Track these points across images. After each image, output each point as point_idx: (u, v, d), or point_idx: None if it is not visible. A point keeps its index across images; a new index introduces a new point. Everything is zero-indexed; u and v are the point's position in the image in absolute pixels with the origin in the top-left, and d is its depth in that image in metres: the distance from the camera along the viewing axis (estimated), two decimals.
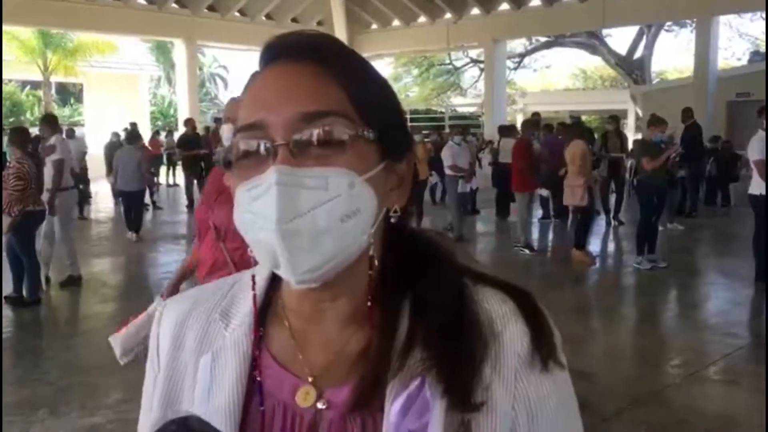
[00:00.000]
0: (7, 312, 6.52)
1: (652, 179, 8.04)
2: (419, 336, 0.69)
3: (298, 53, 0.70)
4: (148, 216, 13.49)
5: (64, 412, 4.17)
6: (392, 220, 0.73)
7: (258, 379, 0.73)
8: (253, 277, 0.78)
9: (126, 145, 11.30)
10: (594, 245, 10.36)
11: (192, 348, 0.78)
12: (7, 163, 6.61)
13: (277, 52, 0.71)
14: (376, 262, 0.71)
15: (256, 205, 0.66)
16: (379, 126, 0.70)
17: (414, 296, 0.72)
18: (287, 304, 0.76)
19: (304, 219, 0.64)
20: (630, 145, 12.76)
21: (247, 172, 0.68)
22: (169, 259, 9.56)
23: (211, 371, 0.74)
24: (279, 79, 0.69)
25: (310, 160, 0.66)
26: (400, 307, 0.72)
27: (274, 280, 0.78)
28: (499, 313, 0.72)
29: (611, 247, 10.57)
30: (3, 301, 6.51)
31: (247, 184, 0.67)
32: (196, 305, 0.81)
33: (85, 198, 13.37)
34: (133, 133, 11.97)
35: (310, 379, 0.72)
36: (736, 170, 14.44)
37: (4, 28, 19.31)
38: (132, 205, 10.72)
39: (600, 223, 11.85)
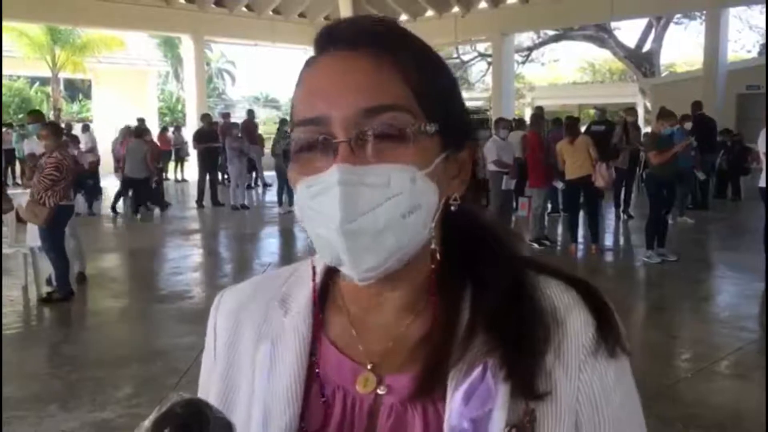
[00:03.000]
0: (18, 308, 6.55)
1: (661, 172, 7.99)
2: (481, 323, 0.69)
3: (356, 41, 0.68)
4: (156, 212, 13.55)
5: (74, 406, 4.18)
6: (452, 208, 0.72)
7: (317, 365, 0.74)
8: (314, 267, 0.78)
9: (133, 139, 12.87)
10: (605, 239, 10.35)
11: (251, 336, 0.78)
12: (47, 155, 6.56)
13: (335, 39, 0.69)
14: (438, 256, 0.71)
15: (317, 202, 0.66)
16: (441, 116, 0.68)
17: (474, 283, 0.72)
18: (346, 292, 0.76)
19: (366, 218, 0.64)
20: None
21: (306, 167, 0.67)
22: (178, 254, 9.59)
23: (271, 357, 0.75)
24: (338, 69, 0.67)
25: (371, 156, 0.65)
26: (462, 295, 0.72)
27: (332, 268, 0.78)
28: (563, 302, 0.71)
29: (621, 240, 10.53)
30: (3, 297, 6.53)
31: (307, 181, 0.67)
32: (254, 294, 0.82)
33: (95, 194, 13.43)
34: (139, 129, 13.70)
35: (369, 366, 0.72)
36: (747, 163, 14.34)
37: (14, 24, 19.43)
38: (138, 190, 12.50)
39: (610, 217, 11.82)
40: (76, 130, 17.07)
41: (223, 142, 14.50)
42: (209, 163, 14.39)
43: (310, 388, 0.74)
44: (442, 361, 0.68)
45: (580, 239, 9.05)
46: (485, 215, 0.78)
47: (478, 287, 0.71)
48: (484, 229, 0.76)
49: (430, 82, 0.69)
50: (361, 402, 0.72)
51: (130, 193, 12.82)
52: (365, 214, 0.64)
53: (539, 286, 0.72)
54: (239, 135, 14.30)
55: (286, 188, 12.93)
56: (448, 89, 0.72)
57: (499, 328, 0.68)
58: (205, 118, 15.57)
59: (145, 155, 12.34)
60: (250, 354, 0.77)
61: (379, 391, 0.71)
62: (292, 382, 0.73)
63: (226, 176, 16.15)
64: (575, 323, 0.70)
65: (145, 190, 12.59)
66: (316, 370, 0.74)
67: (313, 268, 0.78)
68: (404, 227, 0.65)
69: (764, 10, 22.34)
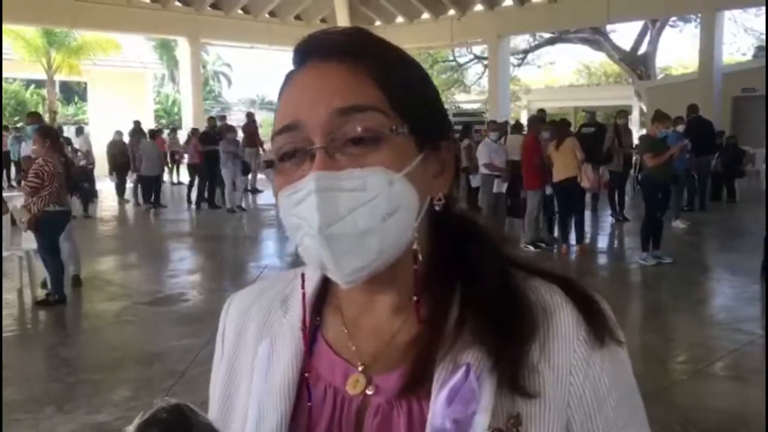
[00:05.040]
0: (13, 311, 6.54)
1: (656, 175, 8.02)
2: (469, 318, 0.70)
3: (330, 52, 0.70)
4: (151, 214, 13.59)
5: (71, 409, 4.18)
6: (437, 208, 0.72)
7: (311, 365, 0.76)
8: (303, 274, 0.79)
9: (148, 139, 14.61)
10: (600, 242, 10.37)
11: (253, 335, 0.81)
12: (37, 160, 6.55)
13: (309, 52, 0.72)
14: (420, 257, 0.71)
15: (299, 210, 0.67)
16: (415, 117, 0.70)
17: (464, 282, 0.73)
18: (340, 294, 0.78)
19: (344, 222, 0.65)
20: (635, 141, 12.75)
21: (288, 176, 0.69)
22: (174, 257, 9.58)
23: (269, 356, 0.77)
24: (313, 78, 0.69)
25: (348, 160, 0.66)
26: (451, 293, 0.72)
27: None
28: (552, 300, 0.72)
29: (616, 243, 10.56)
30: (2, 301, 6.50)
31: (288, 190, 0.68)
32: (260, 295, 0.84)
33: (90, 197, 13.44)
34: (152, 131, 15.67)
35: (360, 368, 0.73)
36: (742, 166, 14.38)
37: (10, 27, 19.38)
38: (152, 186, 13.99)
39: (605, 219, 11.84)
40: (69, 132, 17.06)
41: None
42: (211, 165, 14.35)
43: (304, 387, 0.75)
44: (430, 359, 0.69)
45: (572, 241, 9.08)
46: (474, 216, 0.79)
47: (468, 286, 0.72)
48: (473, 230, 0.77)
49: (403, 85, 0.71)
50: (350, 402, 0.73)
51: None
52: (343, 218, 0.65)
53: (528, 285, 0.73)
54: (236, 138, 14.25)
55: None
56: (420, 89, 0.73)
57: (487, 321, 0.69)
58: (210, 120, 15.89)
59: (159, 155, 14.03)
60: (252, 354, 0.79)
61: (368, 392, 0.72)
62: (286, 381, 0.75)
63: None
64: (564, 323, 0.70)
65: (157, 188, 14.18)
66: (306, 372, 0.75)
67: (303, 275, 0.79)
68: (386, 230, 0.66)
69: (759, 12, 22.47)
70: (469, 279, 0.72)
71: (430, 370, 0.68)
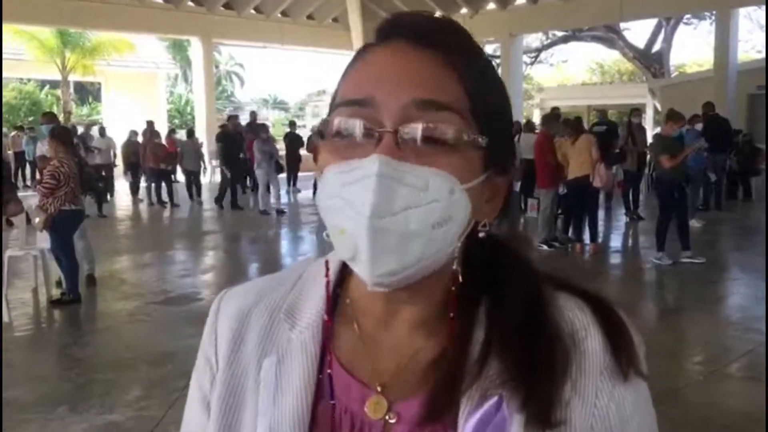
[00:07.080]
0: (28, 310, 6.58)
1: (671, 175, 7.95)
2: (496, 345, 0.65)
3: (422, 36, 0.64)
4: (165, 213, 13.63)
5: (83, 409, 4.19)
6: (480, 235, 0.67)
7: (325, 385, 0.70)
8: (327, 282, 0.73)
9: (187, 138, 15.81)
10: (614, 241, 10.31)
11: (253, 348, 0.73)
12: (51, 161, 6.64)
13: (397, 31, 0.66)
14: (461, 278, 0.67)
15: (348, 192, 0.61)
16: (490, 133, 0.64)
17: (490, 303, 0.68)
18: (357, 303, 0.72)
19: (396, 218, 0.60)
20: (649, 139, 12.66)
21: (341, 152, 0.63)
22: (188, 256, 9.60)
23: (276, 375, 0.70)
24: (397, 59, 0.63)
25: (414, 155, 0.61)
26: (476, 312, 0.68)
27: (343, 275, 0.73)
28: (580, 322, 0.68)
29: (630, 242, 10.49)
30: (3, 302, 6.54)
31: (340, 167, 0.62)
32: (258, 300, 0.76)
33: (103, 196, 13.52)
34: (190, 130, 16.81)
35: (379, 389, 0.68)
36: (757, 164, 14.24)
37: (24, 28, 19.55)
38: (192, 179, 15.19)
39: (619, 218, 11.77)
40: (93, 132, 17.13)
41: (240, 145, 14.40)
42: (234, 169, 14.00)
43: (317, 410, 0.69)
44: (455, 385, 0.65)
45: (585, 240, 9.03)
46: (506, 238, 0.74)
47: (494, 304, 0.68)
48: (498, 245, 0.72)
49: (488, 96, 0.66)
50: (370, 428, 0.68)
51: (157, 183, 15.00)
52: (396, 214, 0.60)
53: (556, 304, 0.69)
54: (266, 137, 13.50)
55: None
56: (501, 108, 0.68)
57: (515, 350, 0.65)
58: (231, 119, 15.65)
59: (197, 152, 15.08)
60: (254, 369, 0.72)
61: (389, 419, 0.67)
62: (300, 403, 0.68)
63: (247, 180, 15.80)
64: (592, 346, 0.67)
65: (197, 180, 15.21)
66: (327, 387, 0.70)
67: (327, 269, 0.73)
68: (432, 238, 0.61)
69: None
70: (496, 298, 0.68)
71: (455, 395, 0.64)
